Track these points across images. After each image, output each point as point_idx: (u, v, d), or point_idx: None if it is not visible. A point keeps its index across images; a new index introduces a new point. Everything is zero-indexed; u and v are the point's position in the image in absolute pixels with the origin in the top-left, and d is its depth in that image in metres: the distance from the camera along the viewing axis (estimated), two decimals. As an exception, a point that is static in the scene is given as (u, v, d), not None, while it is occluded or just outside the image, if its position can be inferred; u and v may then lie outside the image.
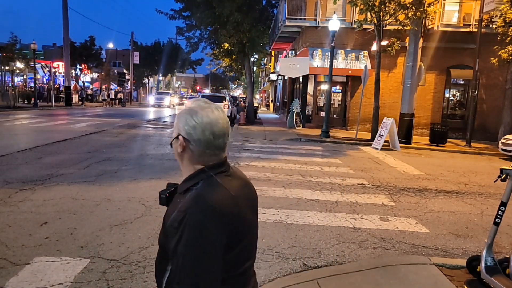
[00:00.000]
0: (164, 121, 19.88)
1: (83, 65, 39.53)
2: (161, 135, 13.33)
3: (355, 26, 14.65)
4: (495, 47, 13.17)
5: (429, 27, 15.73)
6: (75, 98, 31.51)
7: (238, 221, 1.12)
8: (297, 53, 20.13)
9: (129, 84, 44.36)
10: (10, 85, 32.62)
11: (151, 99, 39.70)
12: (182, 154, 1.16)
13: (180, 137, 1.14)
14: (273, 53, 33.76)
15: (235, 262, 1.13)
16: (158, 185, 6.02)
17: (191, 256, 1.02)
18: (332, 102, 18.02)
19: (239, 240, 1.13)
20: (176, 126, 1.17)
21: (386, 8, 12.77)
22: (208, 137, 1.11)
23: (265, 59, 42.05)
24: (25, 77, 39.43)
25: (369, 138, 13.83)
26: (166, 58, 48.63)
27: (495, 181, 3.16)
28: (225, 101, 19.70)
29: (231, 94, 60.02)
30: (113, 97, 35.47)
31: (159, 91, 48.00)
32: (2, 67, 30.70)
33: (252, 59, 30.15)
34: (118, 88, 40.88)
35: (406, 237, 4.49)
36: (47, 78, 36.60)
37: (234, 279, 1.15)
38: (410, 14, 12.28)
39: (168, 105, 36.08)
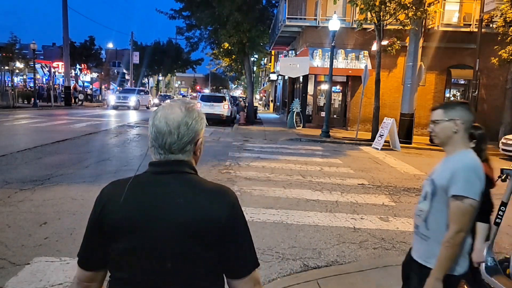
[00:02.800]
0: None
1: (83, 65, 39.56)
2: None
3: (355, 26, 14.65)
4: (495, 47, 13.17)
5: (430, 27, 15.72)
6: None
7: (115, 217, 1.09)
8: (297, 53, 20.12)
9: (128, 84, 44.30)
10: (9, 85, 32.64)
11: (111, 98, 28.98)
12: None
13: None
14: (273, 53, 33.74)
15: (115, 262, 1.12)
16: (158, 185, 5.98)
17: None
18: (332, 102, 17.99)
19: (110, 236, 1.09)
20: None
21: (387, 8, 12.75)
22: (153, 134, 1.14)
23: (265, 59, 42.04)
24: (24, 77, 39.56)
25: (370, 138, 13.82)
26: (166, 58, 48.22)
27: (495, 181, 3.14)
28: (225, 101, 19.67)
29: (231, 94, 59.95)
30: None
31: (125, 88, 36.49)
32: (2, 67, 30.73)
33: (252, 59, 30.14)
34: (119, 88, 40.78)
35: (407, 237, 4.47)
36: (46, 78, 36.62)
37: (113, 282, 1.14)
38: (410, 14, 12.27)
39: (134, 107, 27.19)
